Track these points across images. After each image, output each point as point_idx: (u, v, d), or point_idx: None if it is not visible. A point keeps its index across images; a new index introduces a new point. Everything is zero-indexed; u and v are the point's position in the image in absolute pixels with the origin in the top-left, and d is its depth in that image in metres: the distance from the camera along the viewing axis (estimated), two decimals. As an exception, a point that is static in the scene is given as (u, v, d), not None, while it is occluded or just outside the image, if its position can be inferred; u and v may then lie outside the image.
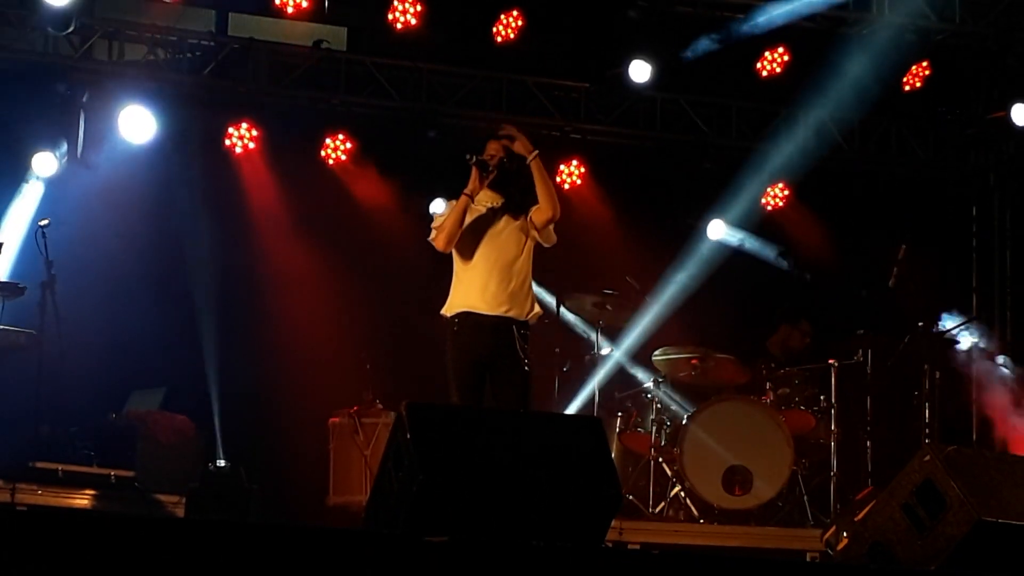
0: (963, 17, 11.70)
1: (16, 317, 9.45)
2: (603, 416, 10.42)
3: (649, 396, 10.56)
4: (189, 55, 11.03)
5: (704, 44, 11.38)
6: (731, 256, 12.03)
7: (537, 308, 7.68)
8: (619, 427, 10.61)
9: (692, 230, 11.95)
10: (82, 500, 9.15)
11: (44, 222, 9.57)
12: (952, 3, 11.66)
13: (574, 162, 11.96)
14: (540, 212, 7.62)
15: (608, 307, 10.66)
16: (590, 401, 10.75)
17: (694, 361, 10.67)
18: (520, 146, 7.67)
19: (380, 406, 10.46)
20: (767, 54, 11.72)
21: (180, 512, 9.19)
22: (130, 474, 9.48)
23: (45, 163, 10.76)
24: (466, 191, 7.64)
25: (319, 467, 10.49)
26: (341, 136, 11.45)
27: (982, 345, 11.08)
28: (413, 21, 11.06)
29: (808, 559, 9.20)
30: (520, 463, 6.29)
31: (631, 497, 10.20)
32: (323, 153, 11.48)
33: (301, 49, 11.40)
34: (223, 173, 11.12)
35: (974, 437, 11.33)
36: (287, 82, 11.40)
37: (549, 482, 6.27)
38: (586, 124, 12.05)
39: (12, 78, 10.74)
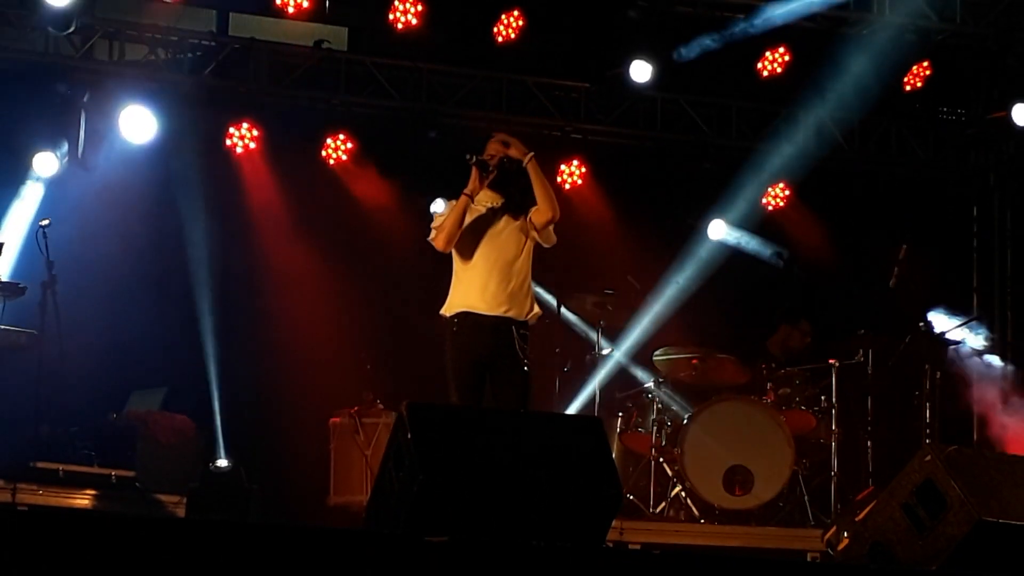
0: (963, 17, 11.70)
1: (17, 317, 9.45)
2: (604, 416, 10.42)
3: (650, 396, 10.56)
4: (190, 55, 11.03)
5: (700, 44, 11.38)
6: (732, 256, 12.03)
7: (537, 308, 7.67)
8: (620, 427, 10.61)
9: (693, 230, 11.95)
10: (83, 500, 9.15)
11: (45, 222, 9.57)
12: (952, 3, 11.66)
13: (574, 162, 11.96)
14: (539, 213, 7.62)
15: (608, 307, 10.66)
16: (591, 401, 10.76)
17: (694, 361, 10.67)
18: (515, 150, 7.66)
19: (381, 406, 10.46)
20: (768, 54, 11.73)
21: (181, 512, 9.18)
22: (131, 474, 9.48)
23: (46, 163, 10.77)
24: (466, 191, 7.64)
25: (320, 467, 10.50)
26: (342, 136, 11.46)
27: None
28: (414, 21, 11.07)
29: (809, 559, 9.19)
30: (521, 463, 6.29)
31: (632, 497, 10.20)
32: (324, 153, 11.48)
33: (302, 49, 11.40)
34: (224, 173, 11.12)
35: (974, 437, 11.32)
36: (288, 82, 11.40)
37: (550, 482, 6.27)
38: (586, 124, 12.05)
39: (13, 78, 10.74)
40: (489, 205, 7.70)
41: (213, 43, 11.21)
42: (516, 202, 7.67)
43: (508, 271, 7.60)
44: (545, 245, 7.73)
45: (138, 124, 10.88)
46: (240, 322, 11.01)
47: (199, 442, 10.05)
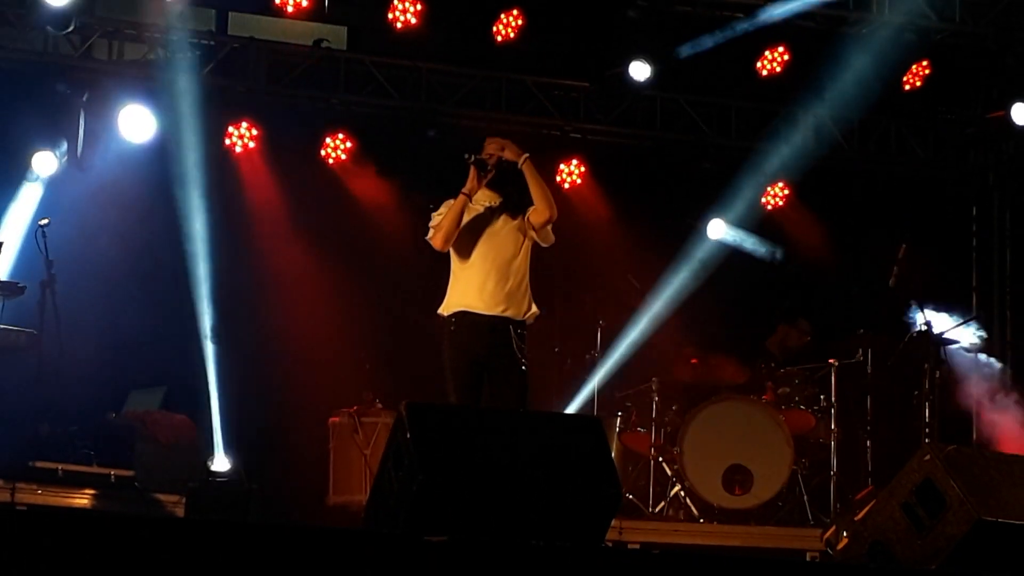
0: (963, 17, 11.70)
1: (16, 316, 9.45)
2: (603, 416, 10.43)
3: (649, 396, 10.55)
4: (189, 54, 11.02)
5: (699, 43, 11.38)
6: (731, 256, 12.03)
7: (535, 308, 7.67)
8: (619, 426, 10.61)
9: (692, 230, 11.94)
10: (82, 500, 9.14)
11: (44, 221, 9.57)
12: (952, 3, 11.66)
13: (574, 162, 11.96)
14: (537, 213, 7.61)
15: (608, 306, 10.67)
16: (590, 400, 10.76)
17: (694, 361, 10.68)
18: (510, 152, 7.65)
19: (380, 406, 10.46)
20: (767, 53, 11.73)
21: (180, 512, 9.18)
22: (130, 474, 9.47)
23: (45, 162, 10.77)
24: (464, 190, 7.63)
25: (319, 467, 10.49)
26: (341, 135, 11.46)
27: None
28: (413, 20, 11.07)
29: (808, 559, 9.20)
30: (520, 463, 6.29)
31: (631, 496, 10.21)
32: (323, 152, 11.48)
33: (301, 48, 11.40)
34: (223, 172, 11.11)
35: (974, 436, 11.33)
36: (287, 81, 11.40)
37: (549, 482, 6.27)
38: (586, 124, 12.05)
39: (12, 77, 10.74)
40: (487, 204, 7.70)
41: (212, 42, 11.21)
42: (514, 201, 7.67)
43: (506, 270, 7.60)
44: (543, 245, 7.73)
45: (137, 123, 10.89)
46: (239, 321, 11.00)
47: (198, 442, 10.05)
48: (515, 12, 11.29)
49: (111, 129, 10.91)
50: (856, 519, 7.39)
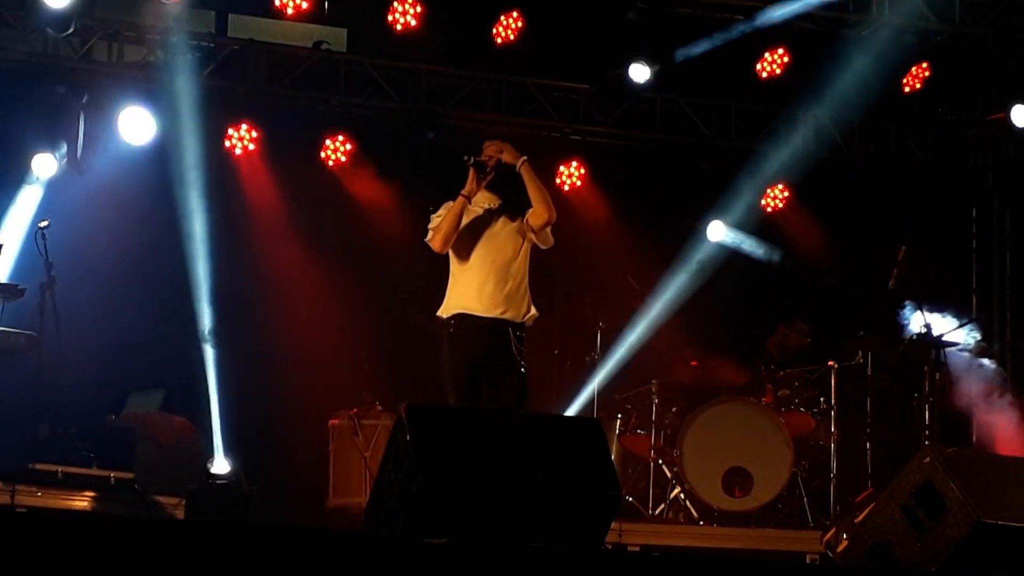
0: (963, 18, 11.70)
1: (16, 319, 9.45)
2: (603, 418, 10.43)
3: (649, 397, 10.55)
4: (189, 56, 11.01)
5: (699, 45, 11.38)
6: (731, 257, 12.03)
7: (534, 310, 7.67)
8: (619, 429, 10.60)
9: (692, 231, 11.94)
10: (82, 502, 9.14)
11: (44, 223, 9.57)
12: (952, 4, 11.66)
13: (574, 163, 11.96)
14: (535, 216, 7.61)
15: (608, 308, 10.67)
16: (590, 402, 10.75)
17: (694, 363, 10.68)
18: (508, 155, 7.65)
19: (380, 408, 10.46)
20: (767, 55, 11.72)
21: (180, 514, 9.18)
22: (130, 476, 9.47)
23: (45, 164, 10.77)
24: (463, 192, 7.64)
25: (319, 469, 10.49)
26: (341, 137, 11.46)
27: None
28: (413, 22, 11.07)
29: (808, 561, 9.19)
30: (520, 465, 6.28)
31: (631, 499, 10.21)
32: (323, 154, 11.48)
33: (301, 50, 11.41)
34: (223, 174, 11.11)
35: (973, 438, 11.32)
36: (287, 83, 11.40)
37: (549, 484, 6.27)
38: (586, 125, 12.05)
39: (12, 79, 10.74)
40: (486, 206, 7.70)
41: (212, 44, 11.21)
42: (513, 203, 7.66)
43: (505, 272, 7.60)
44: (543, 247, 7.72)
45: (137, 125, 10.89)
46: (239, 324, 10.99)
47: (198, 444, 10.04)
48: (515, 14, 11.29)
49: (111, 131, 10.91)
50: (856, 521, 7.39)
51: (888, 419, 10.86)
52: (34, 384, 9.34)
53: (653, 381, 10.57)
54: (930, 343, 9.98)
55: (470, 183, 7.64)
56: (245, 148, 11.24)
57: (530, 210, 7.62)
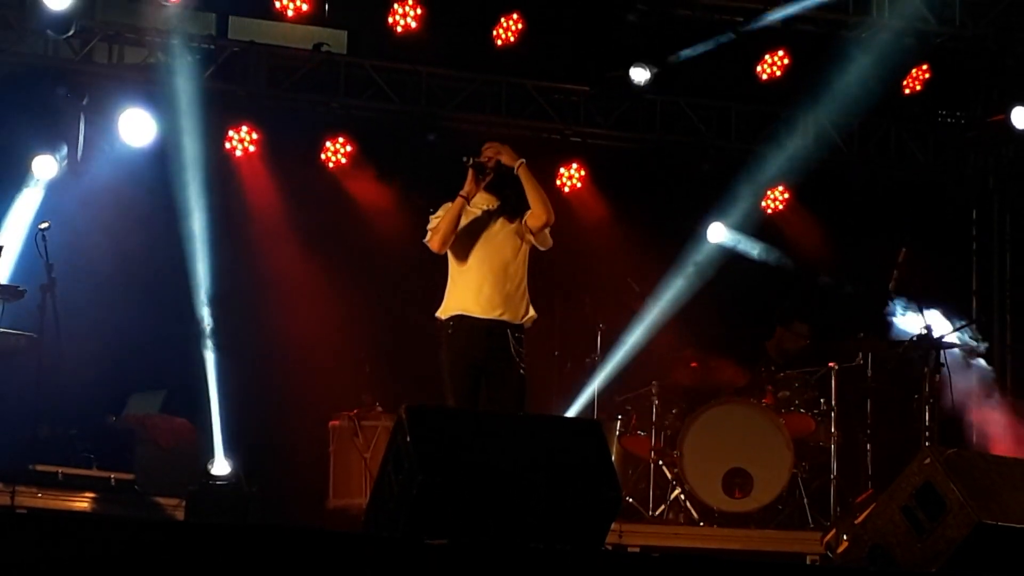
0: (963, 20, 11.71)
1: (16, 320, 9.45)
2: (603, 419, 10.43)
3: (649, 399, 10.55)
4: (189, 58, 11.02)
5: (699, 47, 11.39)
6: (731, 259, 12.03)
7: (532, 312, 7.67)
8: (619, 430, 10.61)
9: (693, 233, 11.94)
10: (82, 503, 9.14)
11: (44, 225, 9.56)
12: (952, 6, 11.67)
13: (574, 165, 11.97)
14: (534, 217, 7.62)
15: (608, 309, 10.67)
16: (590, 404, 10.75)
17: (694, 364, 10.68)
18: (506, 157, 7.66)
19: (380, 409, 10.46)
20: (767, 57, 11.73)
21: (180, 515, 9.18)
22: (130, 477, 9.48)
23: (45, 166, 10.77)
24: (462, 193, 7.64)
25: (319, 470, 10.49)
26: (341, 139, 11.46)
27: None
28: (413, 24, 11.07)
29: (808, 562, 9.19)
30: (520, 466, 6.29)
31: (631, 500, 10.21)
32: (323, 156, 11.49)
33: (301, 52, 11.41)
34: (223, 176, 11.11)
35: (974, 439, 11.32)
36: (287, 85, 11.41)
37: (549, 485, 6.27)
38: (586, 127, 12.05)
39: (12, 81, 10.74)
40: (485, 208, 7.70)
41: (213, 46, 11.22)
42: (512, 205, 7.67)
43: (503, 274, 7.60)
44: (541, 248, 7.73)
45: (137, 127, 10.89)
46: (239, 325, 11.00)
47: (198, 445, 10.05)
48: (515, 16, 11.30)
49: (111, 133, 10.91)
50: (856, 522, 7.38)
51: (888, 420, 10.86)
52: (34, 385, 9.33)
53: (653, 382, 10.58)
54: (930, 344, 9.98)
55: (469, 184, 7.65)
56: (245, 150, 11.24)
57: (528, 212, 7.62)
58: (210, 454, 10.05)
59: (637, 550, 9.42)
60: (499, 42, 11.36)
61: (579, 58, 11.89)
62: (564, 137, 12.01)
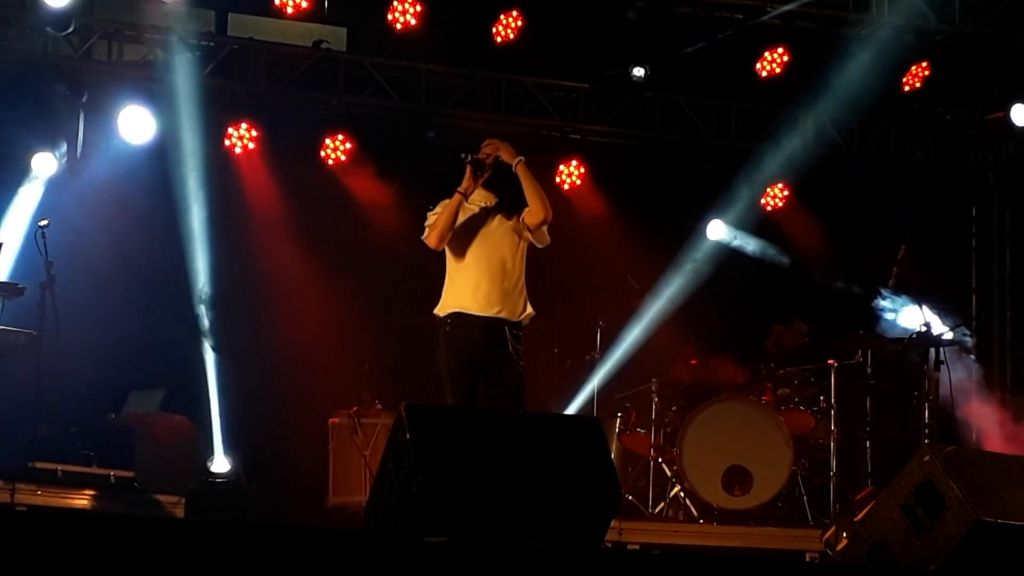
0: (962, 18, 11.71)
1: (15, 317, 9.45)
2: (603, 416, 10.43)
3: (648, 396, 10.55)
4: (189, 55, 11.01)
5: (698, 44, 11.39)
6: (731, 256, 12.03)
7: (530, 309, 7.66)
8: (619, 427, 10.61)
9: (692, 230, 11.94)
10: (81, 500, 9.14)
11: (44, 222, 9.57)
12: (951, 4, 11.66)
13: (573, 162, 11.96)
14: (531, 215, 7.61)
15: (608, 307, 10.67)
16: (590, 401, 10.76)
17: (693, 361, 10.68)
18: (505, 154, 7.66)
19: (379, 406, 10.46)
20: (767, 54, 11.72)
21: (180, 513, 9.19)
22: (130, 474, 9.47)
23: (45, 164, 10.77)
24: (459, 189, 7.63)
25: (318, 468, 10.49)
26: (340, 136, 11.46)
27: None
28: (413, 21, 11.07)
29: (807, 559, 9.20)
30: (520, 463, 6.29)
31: (631, 497, 10.21)
32: (322, 153, 11.48)
33: (301, 49, 11.41)
34: (222, 173, 11.11)
35: (973, 437, 11.32)
36: (287, 82, 11.40)
37: (548, 482, 6.27)
38: (585, 124, 12.05)
39: (12, 78, 10.74)
40: (483, 204, 7.70)
41: (212, 43, 11.21)
42: (510, 202, 7.66)
43: (501, 271, 7.59)
44: (539, 246, 7.72)
45: (137, 124, 10.89)
46: (239, 322, 10.99)
47: (198, 443, 10.04)
48: (514, 13, 11.29)
49: (111, 130, 10.91)
50: (856, 520, 7.39)
51: (888, 418, 10.86)
52: (34, 383, 9.34)
53: (653, 380, 10.58)
54: (930, 342, 9.98)
55: (466, 180, 7.64)
56: (245, 147, 11.24)
57: (526, 209, 7.61)
58: (210, 452, 10.05)
59: (637, 547, 9.43)
60: (499, 39, 11.36)
61: (579, 55, 11.89)
62: (564, 134, 12.01)
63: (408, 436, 6.12)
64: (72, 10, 10.28)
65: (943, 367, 9.81)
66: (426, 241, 7.68)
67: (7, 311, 9.42)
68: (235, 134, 11.20)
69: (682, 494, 10.23)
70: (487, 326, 7.53)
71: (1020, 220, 12.46)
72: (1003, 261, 12.51)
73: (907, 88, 12.00)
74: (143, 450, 9.72)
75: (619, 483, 6.55)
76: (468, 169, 7.65)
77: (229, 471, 9.83)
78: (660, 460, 10.43)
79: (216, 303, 10.68)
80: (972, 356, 11.34)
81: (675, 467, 10.24)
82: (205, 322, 10.57)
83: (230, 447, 10.16)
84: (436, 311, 7.67)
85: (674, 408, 10.50)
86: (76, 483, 9.21)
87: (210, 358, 10.50)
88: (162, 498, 9.36)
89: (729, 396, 10.44)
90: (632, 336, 10.89)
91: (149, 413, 10.09)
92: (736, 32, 11.38)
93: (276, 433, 10.84)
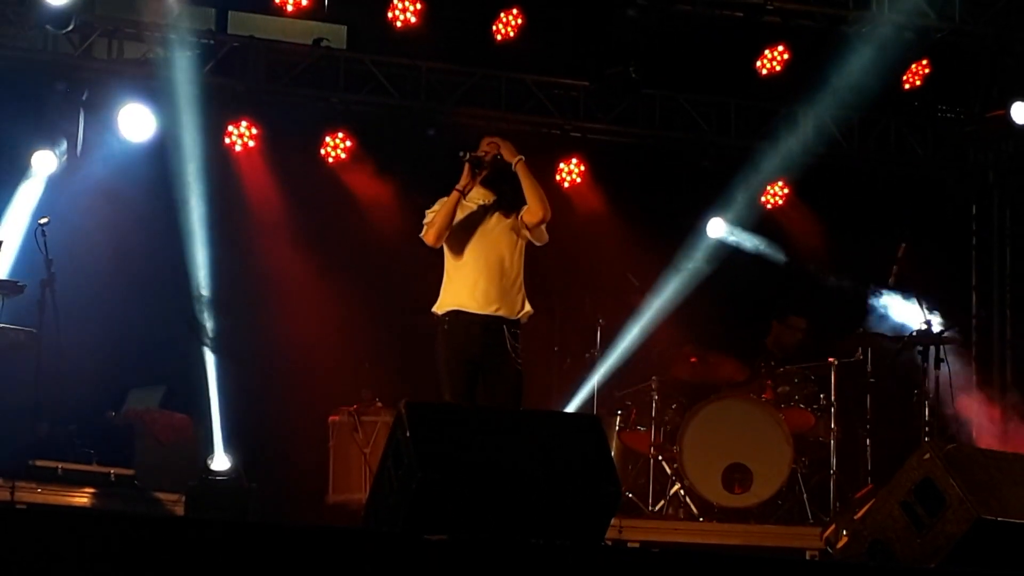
0: (963, 15, 11.70)
1: (15, 315, 9.45)
2: (603, 414, 10.43)
3: (648, 394, 10.55)
4: (189, 53, 11.01)
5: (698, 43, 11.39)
6: (731, 254, 12.03)
7: (528, 307, 7.66)
8: (619, 425, 10.61)
9: (692, 228, 11.94)
10: (81, 498, 9.14)
11: (44, 220, 9.56)
12: (951, 1, 11.65)
13: (573, 160, 11.96)
14: (530, 213, 7.60)
15: (608, 304, 10.67)
16: (590, 399, 10.75)
17: (693, 359, 10.68)
18: (505, 152, 7.65)
19: (379, 404, 10.46)
20: (767, 52, 11.71)
21: (179, 510, 9.19)
22: (130, 472, 9.47)
23: (45, 161, 10.77)
24: (457, 186, 7.63)
25: (318, 465, 10.50)
26: (340, 134, 11.46)
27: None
28: (413, 19, 11.06)
29: (808, 557, 9.20)
30: (520, 461, 6.29)
31: (631, 495, 10.22)
32: (322, 151, 11.48)
33: (301, 47, 11.40)
34: (222, 171, 11.11)
35: (974, 435, 11.32)
36: (287, 80, 11.40)
37: (548, 480, 6.27)
38: (586, 122, 12.04)
39: (12, 76, 10.73)
40: (481, 202, 7.70)
41: (212, 41, 11.20)
42: (508, 200, 7.66)
43: (499, 269, 7.59)
44: (537, 244, 7.72)
45: (137, 122, 10.89)
46: (239, 320, 11.00)
47: (198, 440, 10.05)
48: (515, 11, 11.28)
49: (111, 128, 10.91)
50: (856, 518, 7.39)
51: (888, 416, 10.86)
52: (34, 380, 9.33)
53: (653, 378, 10.58)
54: (931, 340, 9.98)
55: (464, 178, 7.64)
56: (245, 145, 11.24)
57: (525, 207, 7.61)
58: (210, 449, 10.05)
59: (637, 545, 9.42)
60: (499, 37, 11.35)
61: (579, 53, 11.88)
62: (564, 132, 12.00)
63: (408, 434, 6.12)
64: (72, 8, 10.27)
65: (945, 365, 9.81)
66: (424, 238, 7.68)
67: (7, 309, 9.42)
68: (235, 132, 11.20)
69: (682, 492, 10.23)
70: (485, 324, 7.53)
71: (1020, 218, 12.46)
72: (1003, 259, 12.50)
73: (907, 86, 11.99)
74: (143, 448, 9.72)
75: (619, 481, 6.55)
76: (466, 167, 7.64)
77: (229, 469, 9.84)
78: (660, 458, 10.43)
79: (214, 304, 10.68)
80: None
81: (675, 465, 10.24)
82: (204, 325, 10.57)
83: (230, 445, 10.16)
84: (434, 309, 7.67)
85: (674, 406, 10.50)
86: (76, 481, 9.21)
87: (210, 356, 10.50)
88: (162, 496, 9.36)
89: (729, 394, 10.44)
90: (632, 334, 10.89)
91: (149, 411, 10.09)
92: (736, 30, 11.38)
93: (276, 431, 10.84)
